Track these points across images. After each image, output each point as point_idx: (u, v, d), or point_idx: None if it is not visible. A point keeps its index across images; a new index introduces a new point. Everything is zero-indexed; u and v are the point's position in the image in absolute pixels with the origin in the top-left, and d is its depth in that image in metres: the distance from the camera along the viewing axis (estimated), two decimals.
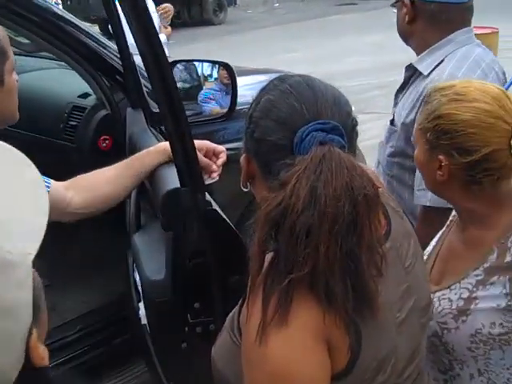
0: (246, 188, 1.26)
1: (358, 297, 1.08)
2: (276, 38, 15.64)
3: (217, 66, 2.70)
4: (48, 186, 1.85)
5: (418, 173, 2.00)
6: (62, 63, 3.05)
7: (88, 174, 2.04)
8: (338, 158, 1.07)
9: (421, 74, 2.19)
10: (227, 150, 3.06)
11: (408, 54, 2.40)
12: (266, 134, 1.16)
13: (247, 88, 2.99)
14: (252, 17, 21.63)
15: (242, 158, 1.23)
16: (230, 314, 1.32)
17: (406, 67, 2.28)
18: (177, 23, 18.72)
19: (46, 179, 1.87)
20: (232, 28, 18.61)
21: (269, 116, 1.17)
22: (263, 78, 4.03)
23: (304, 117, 1.13)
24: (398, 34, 2.31)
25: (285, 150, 1.13)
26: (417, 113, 2.12)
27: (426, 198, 2.04)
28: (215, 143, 2.39)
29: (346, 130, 1.14)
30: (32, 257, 0.75)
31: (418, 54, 2.24)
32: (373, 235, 1.09)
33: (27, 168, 0.85)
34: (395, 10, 2.28)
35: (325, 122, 1.11)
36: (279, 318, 1.06)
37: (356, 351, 1.12)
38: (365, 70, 10.30)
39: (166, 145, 2.00)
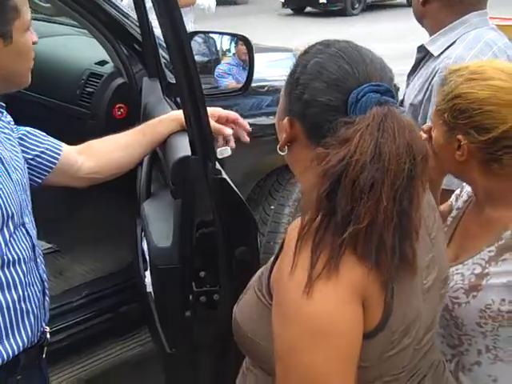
0: (284, 152, 1.28)
1: (401, 256, 1.12)
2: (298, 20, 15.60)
3: (235, 39, 2.70)
4: (59, 150, 1.86)
5: None
6: (81, 29, 3.05)
7: (100, 139, 2.04)
8: (399, 117, 1.12)
9: (432, 55, 2.18)
10: None
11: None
12: (316, 96, 1.18)
13: (265, 65, 3.00)
14: None
15: (285, 121, 1.24)
16: (258, 273, 1.33)
17: (418, 48, 2.26)
18: None
19: (58, 143, 1.88)
20: (255, 8, 18.54)
21: (320, 78, 1.18)
22: (282, 56, 4.03)
23: (356, 79, 1.17)
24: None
25: (337, 110, 1.16)
26: (425, 94, 2.11)
27: None
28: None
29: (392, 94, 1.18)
30: None
31: (430, 36, 2.23)
32: (421, 198, 1.14)
33: None
34: None
35: (378, 85, 1.15)
36: (328, 273, 1.09)
37: (388, 311, 1.15)
38: (385, 57, 10.22)
39: (178, 113, 2.02)
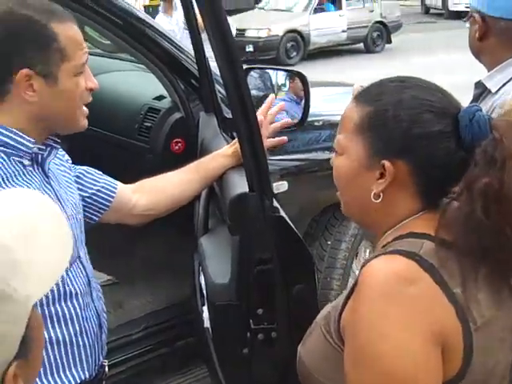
0: (378, 199, 1.23)
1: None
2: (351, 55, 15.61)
3: (289, 75, 2.70)
4: (115, 188, 1.90)
5: None
6: (140, 65, 3.10)
7: (154, 177, 2.09)
8: None
9: (490, 91, 2.14)
10: (296, 160, 3.08)
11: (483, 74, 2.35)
12: (428, 127, 1.19)
13: (321, 99, 2.99)
14: None
15: (387, 164, 1.21)
16: (324, 312, 1.32)
17: (476, 84, 2.22)
18: None
19: (113, 181, 1.92)
20: None
21: (426, 109, 1.20)
22: (336, 91, 4.03)
23: (452, 104, 1.23)
24: None
25: (450, 137, 1.19)
26: None
27: None
28: (284, 153, 2.41)
29: None
30: (34, 301, 0.79)
31: (488, 71, 2.19)
32: None
33: (63, 221, 0.92)
34: (468, 25, 2.24)
35: (472, 105, 1.22)
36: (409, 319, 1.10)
37: (469, 357, 1.12)
38: None
39: (231, 149, 2.05)
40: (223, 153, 2.08)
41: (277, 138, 2.12)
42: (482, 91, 2.20)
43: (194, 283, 2.51)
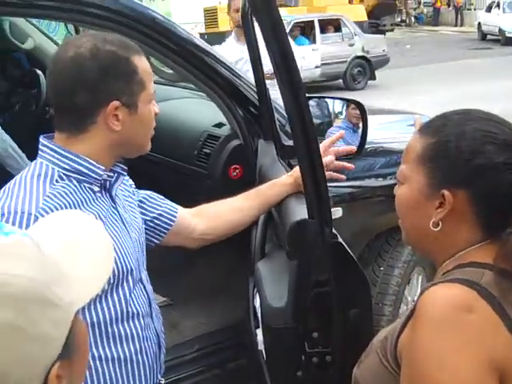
0: (437, 228, 1.27)
1: None
2: (406, 79, 15.55)
3: (346, 103, 2.75)
4: (175, 213, 1.98)
5: None
6: (200, 93, 3.18)
7: (214, 203, 2.15)
8: None
9: None
10: (352, 187, 3.12)
11: None
12: (493, 158, 1.22)
13: (375, 127, 3.03)
14: None
15: (446, 194, 1.24)
16: (380, 336, 1.34)
17: None
18: None
19: (174, 206, 1.99)
20: None
21: (489, 141, 1.23)
22: (392, 119, 4.06)
23: None
24: None
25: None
26: None
27: None
28: (341, 180, 2.44)
29: None
30: (75, 309, 0.87)
31: None
32: None
33: (104, 234, 1.02)
34: None
35: None
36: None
37: None
38: None
39: (291, 177, 2.11)
40: (283, 181, 2.14)
41: (343, 162, 2.17)
42: None
43: (249, 306, 2.56)
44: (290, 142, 2.54)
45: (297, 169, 2.07)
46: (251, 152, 2.74)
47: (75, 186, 1.58)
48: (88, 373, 1.56)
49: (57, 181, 1.56)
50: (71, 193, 1.56)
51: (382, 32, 26.87)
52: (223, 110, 2.83)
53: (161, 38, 2.55)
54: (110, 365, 1.63)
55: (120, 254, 1.61)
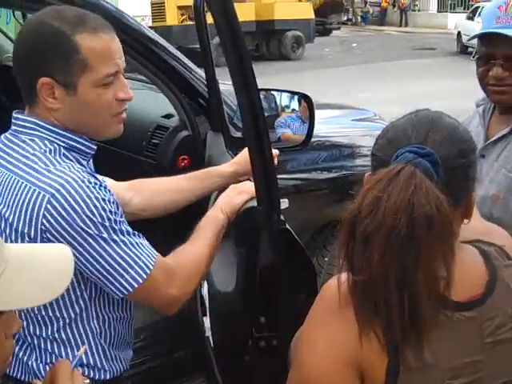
0: None
1: (411, 321, 1.13)
2: (351, 77, 15.75)
3: (297, 96, 2.80)
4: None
5: None
6: (150, 84, 3.19)
7: (155, 179, 2.14)
8: (410, 175, 1.13)
9: None
10: (297, 179, 3.17)
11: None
12: (377, 151, 1.26)
13: (320, 121, 3.09)
14: (328, 55, 21.84)
15: (365, 176, 1.29)
16: None
17: None
18: (255, 56, 19.15)
19: (105, 178, 1.93)
20: (308, 64, 18.82)
21: (385, 136, 1.26)
22: (336, 114, 4.14)
23: (409, 140, 1.20)
24: (477, 82, 2.13)
25: (386, 165, 1.19)
26: None
27: None
28: (286, 172, 2.49)
29: (447, 163, 1.18)
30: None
31: None
32: (433, 264, 1.12)
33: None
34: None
35: (421, 147, 1.17)
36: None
37: None
38: None
39: (233, 167, 2.12)
40: (222, 172, 2.13)
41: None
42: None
43: (196, 294, 2.59)
44: (239, 134, 2.59)
45: (240, 155, 2.10)
46: (200, 143, 2.77)
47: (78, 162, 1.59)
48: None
49: (65, 156, 1.56)
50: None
51: (329, 30, 27.18)
52: (172, 101, 2.86)
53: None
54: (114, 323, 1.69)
55: None
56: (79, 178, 1.48)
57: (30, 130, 1.57)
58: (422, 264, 1.11)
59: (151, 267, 1.56)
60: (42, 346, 1.62)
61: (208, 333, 2.30)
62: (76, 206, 1.46)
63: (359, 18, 37.50)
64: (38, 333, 1.61)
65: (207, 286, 2.21)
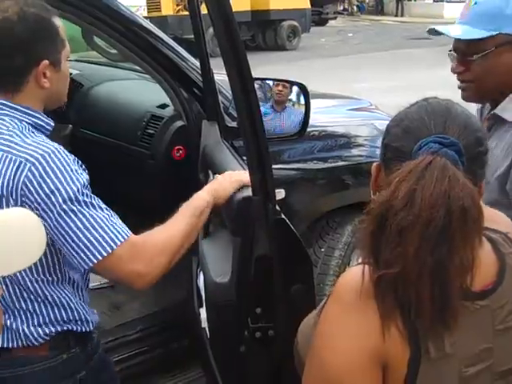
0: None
1: (441, 311, 1.13)
2: (347, 67, 15.73)
3: (292, 86, 2.78)
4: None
5: None
6: (145, 74, 3.18)
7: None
8: (443, 167, 1.12)
9: (505, 122, 2.04)
10: (294, 169, 3.16)
11: None
12: (392, 141, 1.23)
13: (316, 111, 3.08)
14: (325, 45, 21.80)
15: (373, 166, 1.29)
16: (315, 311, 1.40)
17: (489, 117, 2.11)
18: (251, 46, 19.11)
19: None
20: (305, 54, 18.78)
21: (399, 125, 1.24)
22: (332, 103, 4.12)
23: (429, 130, 1.19)
24: None
25: (405, 156, 1.18)
26: None
27: None
28: (282, 162, 2.46)
29: (468, 152, 1.17)
30: None
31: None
32: (467, 252, 1.12)
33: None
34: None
35: (444, 137, 1.16)
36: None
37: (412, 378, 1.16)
38: None
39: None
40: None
41: None
42: (493, 123, 2.10)
43: (192, 285, 2.58)
44: (234, 124, 2.58)
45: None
46: (195, 133, 2.75)
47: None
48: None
49: (34, 133, 1.66)
50: None
51: (325, 20, 27.12)
52: (167, 91, 2.84)
53: (105, 18, 2.54)
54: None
55: None
56: (56, 149, 1.60)
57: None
58: (455, 256, 1.11)
59: (118, 242, 1.60)
60: (30, 307, 1.69)
61: (204, 324, 2.29)
62: (53, 177, 1.56)
63: (355, 7, 37.42)
64: (25, 295, 1.68)
65: (203, 277, 2.21)
